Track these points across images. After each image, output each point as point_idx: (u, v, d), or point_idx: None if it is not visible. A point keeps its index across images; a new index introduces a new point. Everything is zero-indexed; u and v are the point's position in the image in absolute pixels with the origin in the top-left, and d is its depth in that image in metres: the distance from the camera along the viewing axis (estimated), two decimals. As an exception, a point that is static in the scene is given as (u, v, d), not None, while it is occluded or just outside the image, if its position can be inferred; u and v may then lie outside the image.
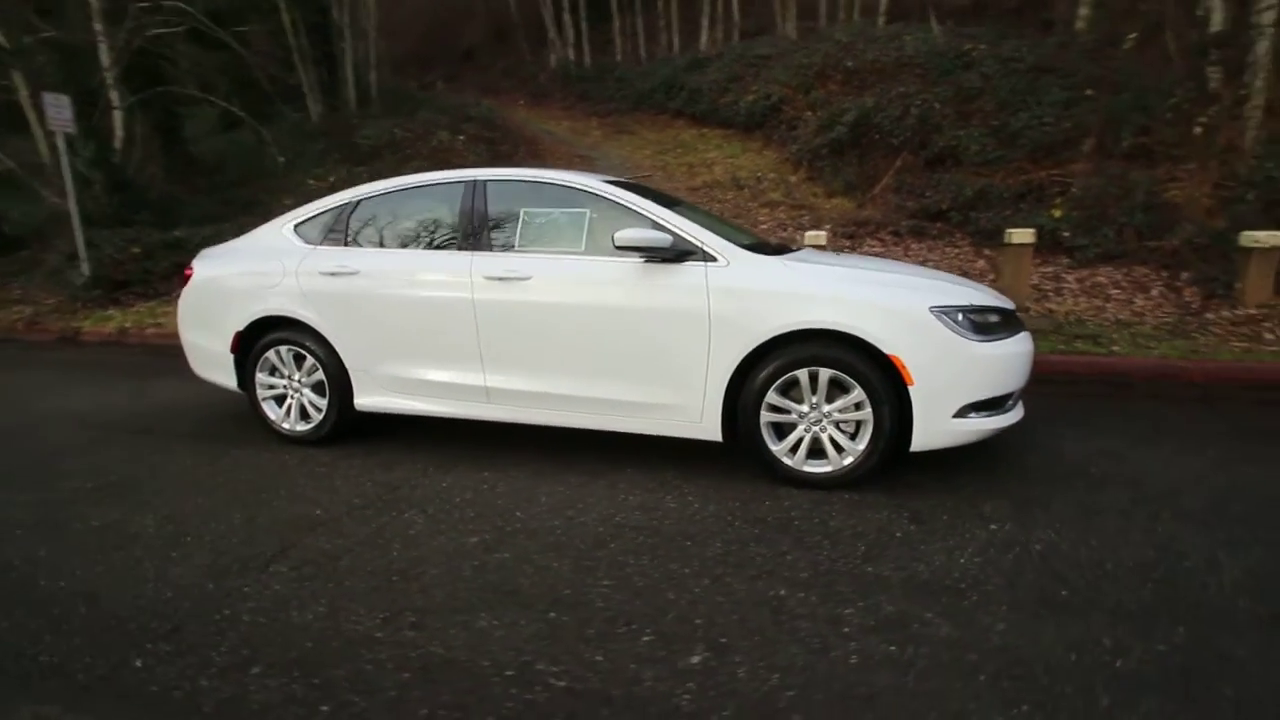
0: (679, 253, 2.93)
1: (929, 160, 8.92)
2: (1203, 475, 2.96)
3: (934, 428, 2.73)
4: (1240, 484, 2.87)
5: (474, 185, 3.36)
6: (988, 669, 1.75)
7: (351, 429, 3.63)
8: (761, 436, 2.90)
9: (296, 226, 3.70)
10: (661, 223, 3.01)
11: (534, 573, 2.30)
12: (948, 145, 8.75)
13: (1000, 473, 3.01)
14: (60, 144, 7.84)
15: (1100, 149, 6.60)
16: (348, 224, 3.58)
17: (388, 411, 3.51)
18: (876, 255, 6.87)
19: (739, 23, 16.63)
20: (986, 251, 6.97)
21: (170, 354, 6.23)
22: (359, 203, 3.59)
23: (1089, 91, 7.39)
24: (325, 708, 1.69)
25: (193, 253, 4.25)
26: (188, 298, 3.87)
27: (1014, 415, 2.90)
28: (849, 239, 7.71)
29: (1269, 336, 4.49)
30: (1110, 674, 1.72)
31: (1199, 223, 5.54)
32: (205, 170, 12.69)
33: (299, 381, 3.62)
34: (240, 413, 4.18)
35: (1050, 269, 6.39)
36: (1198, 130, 6.14)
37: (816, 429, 2.86)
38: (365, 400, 3.50)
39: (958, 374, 2.71)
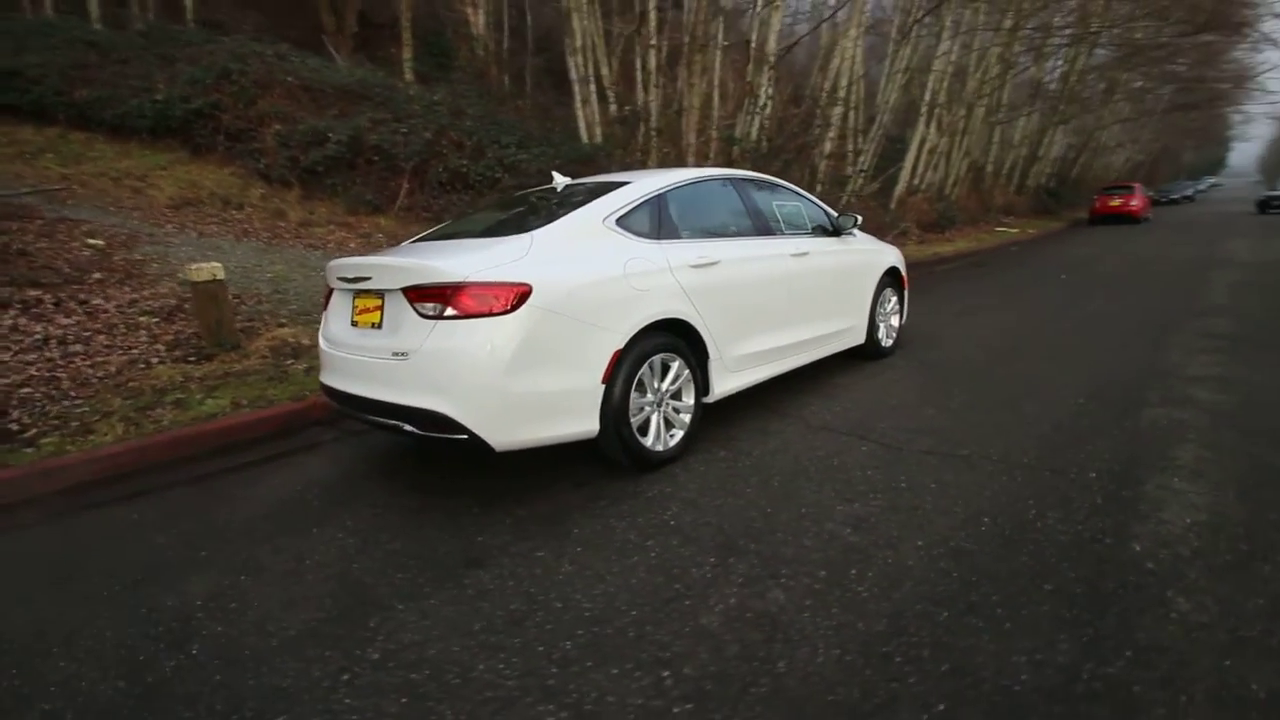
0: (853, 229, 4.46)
1: (441, 182, 10.09)
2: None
3: (908, 309, 5.34)
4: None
5: (735, 182, 3.75)
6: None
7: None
8: (880, 335, 4.82)
9: (619, 220, 2.88)
10: (831, 211, 4.38)
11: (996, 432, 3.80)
12: (456, 169, 10.14)
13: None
14: None
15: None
16: (670, 216, 3.16)
17: (725, 395, 3.38)
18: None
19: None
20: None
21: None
22: (664, 195, 3.24)
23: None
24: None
25: None
26: (528, 325, 2.52)
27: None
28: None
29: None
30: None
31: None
32: None
33: (662, 390, 3.04)
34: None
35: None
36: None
37: (884, 323, 5.00)
38: (721, 388, 3.34)
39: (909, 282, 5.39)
